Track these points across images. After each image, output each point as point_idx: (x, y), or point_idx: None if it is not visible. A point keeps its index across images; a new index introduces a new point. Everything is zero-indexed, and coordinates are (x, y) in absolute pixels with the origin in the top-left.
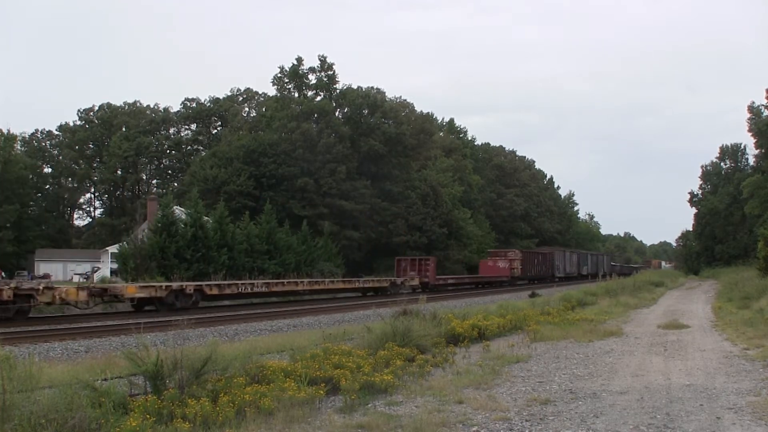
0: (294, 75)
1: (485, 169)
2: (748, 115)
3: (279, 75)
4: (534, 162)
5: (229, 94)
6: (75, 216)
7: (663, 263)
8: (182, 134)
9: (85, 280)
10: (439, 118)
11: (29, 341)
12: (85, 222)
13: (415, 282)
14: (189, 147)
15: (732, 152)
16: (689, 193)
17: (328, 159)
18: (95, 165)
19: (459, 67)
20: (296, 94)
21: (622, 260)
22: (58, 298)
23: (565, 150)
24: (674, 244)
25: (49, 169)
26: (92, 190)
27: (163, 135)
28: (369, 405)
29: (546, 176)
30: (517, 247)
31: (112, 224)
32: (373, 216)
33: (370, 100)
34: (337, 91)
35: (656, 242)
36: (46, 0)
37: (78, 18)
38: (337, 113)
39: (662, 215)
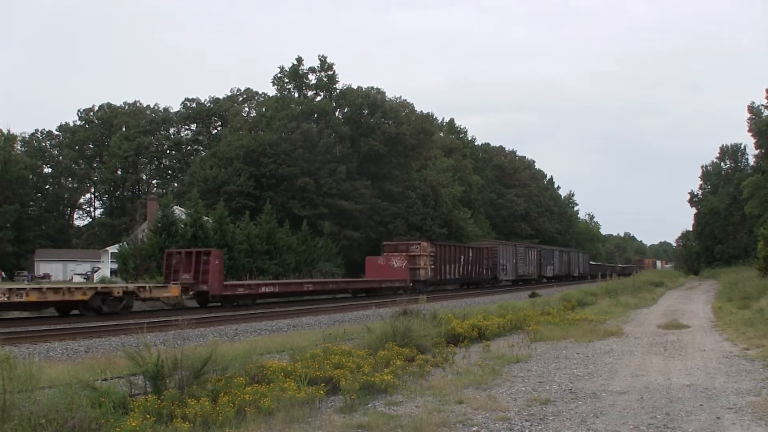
0: (294, 75)
1: (485, 169)
2: (748, 115)
3: (279, 75)
4: (534, 162)
5: (229, 94)
6: (75, 216)
7: (658, 263)
8: (182, 134)
9: (85, 280)
10: (439, 118)
11: (29, 341)
12: (85, 222)
13: (170, 293)
14: (189, 147)
15: (732, 152)
16: (689, 193)
17: (328, 159)
18: (95, 165)
19: (459, 67)
20: (296, 94)
21: (623, 260)
22: None
23: (565, 150)
24: (674, 244)
25: (49, 169)
26: (92, 190)
27: (163, 135)
28: (369, 405)
29: (546, 176)
30: None
31: (112, 224)
32: (373, 216)
33: (370, 100)
34: (337, 91)
35: (656, 242)
36: (46, 0)
37: (78, 18)
38: (337, 113)
39: (662, 215)
